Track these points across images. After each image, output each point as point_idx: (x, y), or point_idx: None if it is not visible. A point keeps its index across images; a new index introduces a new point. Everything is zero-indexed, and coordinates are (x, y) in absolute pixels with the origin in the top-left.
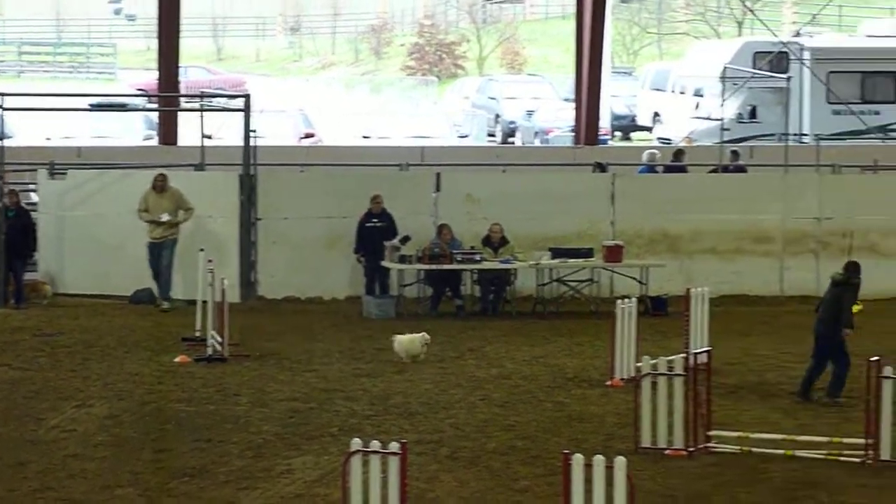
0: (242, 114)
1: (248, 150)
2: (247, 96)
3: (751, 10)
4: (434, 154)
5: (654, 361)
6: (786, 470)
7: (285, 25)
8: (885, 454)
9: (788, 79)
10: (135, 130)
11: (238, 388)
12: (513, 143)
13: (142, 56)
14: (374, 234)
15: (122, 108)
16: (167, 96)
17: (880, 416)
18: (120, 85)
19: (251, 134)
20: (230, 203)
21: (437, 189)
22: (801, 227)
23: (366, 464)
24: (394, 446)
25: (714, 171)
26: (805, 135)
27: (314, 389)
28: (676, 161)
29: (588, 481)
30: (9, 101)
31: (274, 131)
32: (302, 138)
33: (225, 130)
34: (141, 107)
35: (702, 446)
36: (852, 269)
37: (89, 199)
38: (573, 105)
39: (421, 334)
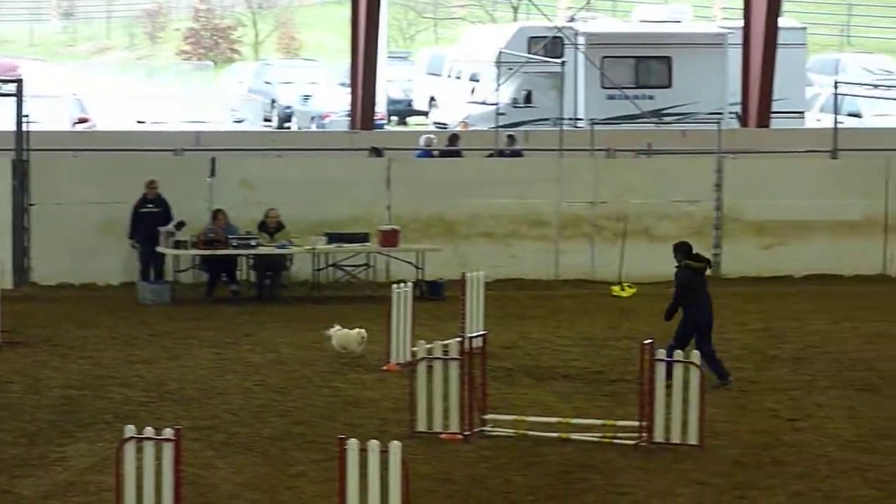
0: (15, 99)
1: (20, 135)
2: (19, 81)
3: None
4: (209, 139)
5: (429, 346)
6: (561, 453)
7: (59, 9)
8: (659, 436)
9: (563, 64)
10: None
11: (10, 375)
12: (289, 127)
13: None
14: (149, 219)
15: None
16: None
17: (654, 399)
18: None
19: (24, 119)
20: (2, 188)
21: (213, 174)
22: (575, 212)
23: (140, 450)
24: (168, 433)
25: (490, 155)
26: (580, 119)
27: (88, 376)
28: (451, 146)
29: (363, 466)
30: None
31: (48, 116)
32: (76, 123)
33: None
34: None
35: (477, 430)
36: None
37: None
38: (349, 90)
39: (357, 330)
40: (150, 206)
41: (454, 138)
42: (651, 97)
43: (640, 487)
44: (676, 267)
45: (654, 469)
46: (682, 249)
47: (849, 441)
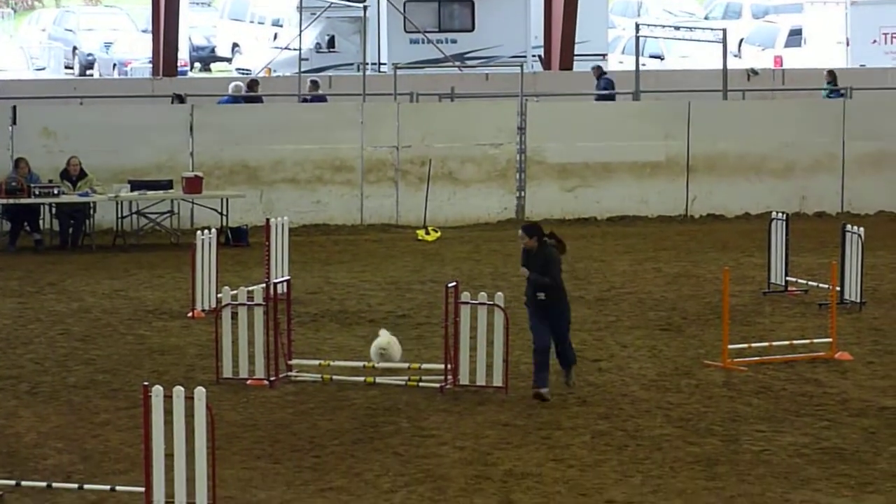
0: None
1: None
2: None
3: None
4: (9, 87)
5: (234, 292)
6: (367, 397)
7: None
8: (464, 379)
9: (365, 8)
10: None
11: None
12: (91, 75)
13: None
14: None
15: None
16: None
17: (459, 342)
18: None
19: None
20: None
21: (13, 122)
22: (379, 156)
23: None
24: None
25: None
26: (383, 64)
27: None
28: (251, 91)
29: (168, 413)
30: None
31: None
32: None
33: None
34: None
35: (283, 376)
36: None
37: None
38: (151, 37)
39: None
40: None
41: (253, 84)
42: (454, 41)
43: (446, 430)
44: (537, 246)
45: (459, 411)
46: (538, 230)
47: (652, 381)
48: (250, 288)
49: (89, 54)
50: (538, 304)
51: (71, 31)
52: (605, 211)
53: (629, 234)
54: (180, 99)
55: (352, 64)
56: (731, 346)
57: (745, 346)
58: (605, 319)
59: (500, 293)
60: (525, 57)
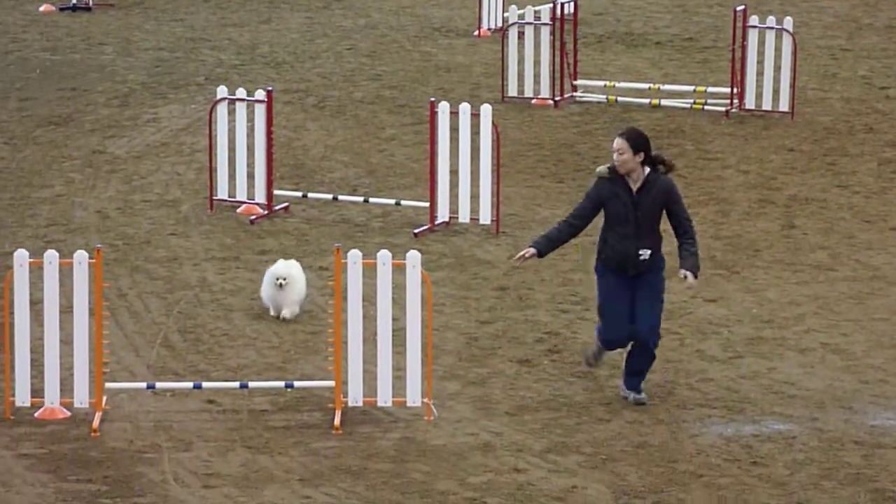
0: None
1: None
2: None
3: None
4: None
5: (521, 11)
6: (651, 119)
7: None
8: (750, 103)
9: None
10: None
11: (103, 37)
12: None
13: None
14: None
15: None
16: None
17: (745, 66)
18: None
19: None
20: None
21: None
22: None
23: (232, 112)
24: (260, 94)
25: None
26: None
27: (180, 39)
28: None
29: (454, 129)
30: None
31: None
32: None
33: None
34: None
35: (568, 96)
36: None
37: None
38: None
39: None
40: None
41: None
42: None
43: (730, 153)
44: (641, 171)
45: (744, 136)
46: (647, 142)
47: None
48: (537, 8)
49: None
50: (621, 271)
51: None
52: None
53: None
54: None
55: None
56: None
57: None
58: (895, 47)
59: (788, 17)
60: None
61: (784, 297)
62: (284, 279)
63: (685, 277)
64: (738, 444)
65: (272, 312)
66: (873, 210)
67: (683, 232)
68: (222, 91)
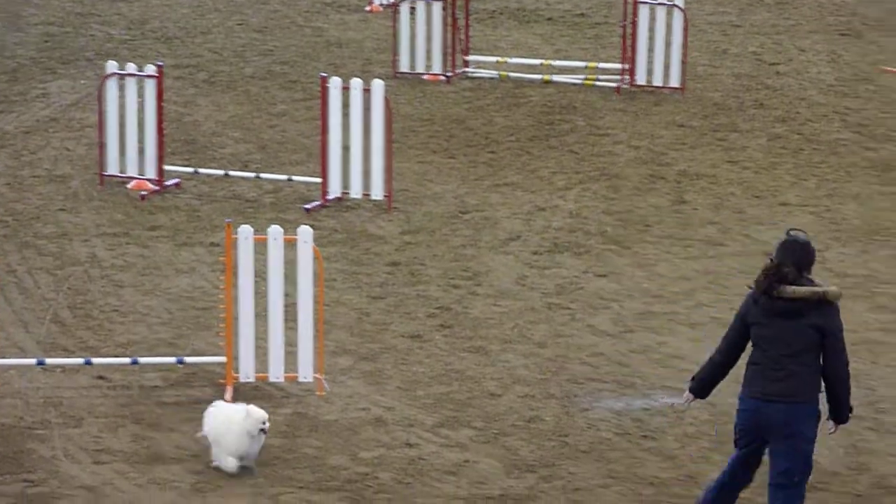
0: None
1: None
2: None
3: None
4: None
5: None
6: (543, 95)
7: None
8: (641, 79)
9: None
10: None
11: None
12: None
13: None
14: None
15: None
16: None
17: (636, 42)
18: None
19: None
20: None
21: None
22: None
23: (122, 87)
24: (150, 70)
25: None
26: None
27: (70, 14)
28: None
29: (346, 105)
30: None
31: None
32: None
33: None
34: None
35: (460, 71)
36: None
37: None
38: None
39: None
40: None
41: None
42: None
43: (621, 129)
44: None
45: (635, 111)
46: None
47: (830, 85)
48: None
49: None
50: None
51: None
52: None
53: None
54: None
55: None
56: None
57: None
58: (785, 23)
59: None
60: None
61: (674, 271)
62: (265, 423)
63: None
64: (629, 418)
65: (232, 466)
66: (763, 185)
67: None
68: (112, 66)
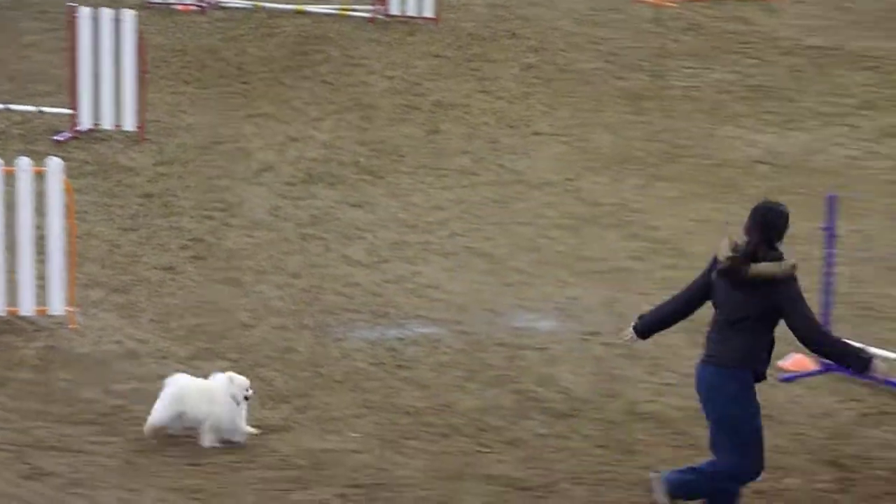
0: None
1: None
2: None
3: None
4: None
5: None
6: (296, 25)
7: None
8: (395, 9)
9: None
10: None
11: None
12: None
13: None
14: None
15: None
16: None
17: None
18: None
19: None
20: None
21: None
22: None
23: None
24: None
25: None
26: None
27: None
28: None
29: (97, 35)
30: None
31: None
32: None
33: None
34: None
35: (213, 1)
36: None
37: None
38: None
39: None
40: None
41: None
42: None
43: (375, 59)
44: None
45: (389, 42)
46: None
47: (584, 15)
48: None
49: None
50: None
51: None
52: None
53: None
54: None
55: None
56: None
57: None
58: None
59: None
60: None
61: (428, 201)
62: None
63: None
64: (383, 348)
65: (211, 441)
66: (516, 115)
67: None
68: None
